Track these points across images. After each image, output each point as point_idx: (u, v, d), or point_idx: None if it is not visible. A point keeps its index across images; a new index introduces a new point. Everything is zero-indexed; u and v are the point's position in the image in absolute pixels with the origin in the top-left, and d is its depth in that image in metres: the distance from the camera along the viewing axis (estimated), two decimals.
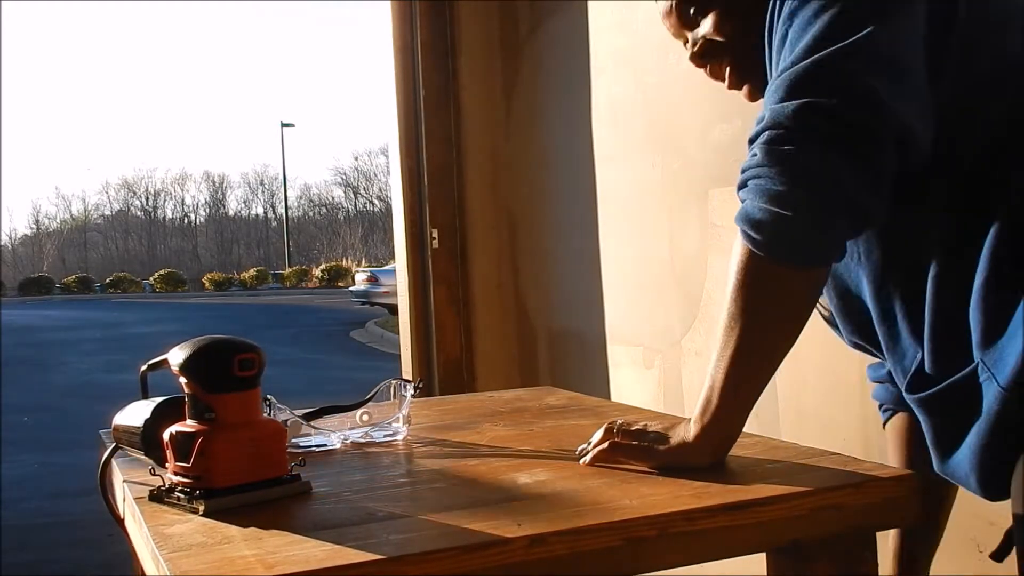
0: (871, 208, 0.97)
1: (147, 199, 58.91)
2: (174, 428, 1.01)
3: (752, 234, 0.98)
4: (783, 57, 1.00)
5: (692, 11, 1.21)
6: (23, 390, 10.20)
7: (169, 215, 59.15)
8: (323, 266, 41.74)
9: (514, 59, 3.10)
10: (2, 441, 6.85)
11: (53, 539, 4.55)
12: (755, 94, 1.21)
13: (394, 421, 1.33)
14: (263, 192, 60.13)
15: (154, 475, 1.05)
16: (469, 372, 3.21)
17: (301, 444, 1.28)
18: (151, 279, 40.54)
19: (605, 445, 1.11)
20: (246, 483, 0.99)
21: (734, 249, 1.02)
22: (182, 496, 0.98)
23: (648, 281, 2.45)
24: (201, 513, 0.96)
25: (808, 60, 0.95)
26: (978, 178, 1.02)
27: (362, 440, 1.31)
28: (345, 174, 60.79)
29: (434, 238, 3.15)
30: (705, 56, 1.23)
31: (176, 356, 1.02)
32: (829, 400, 1.88)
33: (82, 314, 23.38)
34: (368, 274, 20.89)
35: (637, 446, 1.10)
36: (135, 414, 1.12)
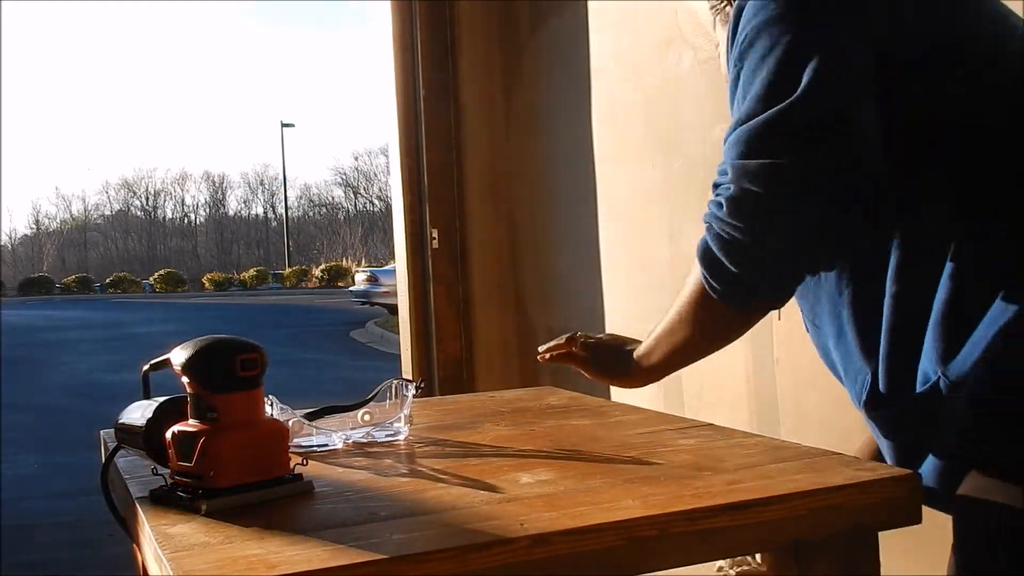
0: (823, 260, 1.06)
1: (147, 199, 58.93)
2: (176, 428, 1.01)
3: (709, 280, 1.08)
4: (737, 103, 1.03)
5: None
6: (23, 390, 10.20)
7: (169, 215, 59.17)
8: (323, 266, 41.73)
9: (514, 59, 3.11)
10: (2, 441, 6.85)
11: (53, 539, 4.55)
12: None
13: (396, 421, 1.34)
14: (263, 192, 60.15)
15: (156, 475, 1.05)
16: (469, 372, 3.21)
17: (303, 444, 1.28)
18: (151, 279, 40.52)
19: (564, 350, 1.36)
20: (248, 483, 0.99)
21: (694, 269, 1.11)
22: (184, 496, 0.99)
23: (648, 281, 2.45)
24: (203, 513, 0.96)
25: (764, 115, 0.99)
26: (936, 200, 1.04)
27: (364, 440, 1.31)
28: (345, 174, 60.83)
29: (434, 238, 3.15)
30: None
31: (178, 356, 1.02)
32: (830, 400, 1.88)
33: (82, 314, 23.38)
34: (368, 274, 20.89)
35: (588, 359, 1.35)
36: (137, 414, 1.12)
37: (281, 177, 53.65)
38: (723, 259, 1.04)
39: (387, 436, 1.33)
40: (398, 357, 3.41)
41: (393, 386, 1.37)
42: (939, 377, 1.01)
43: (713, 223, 1.05)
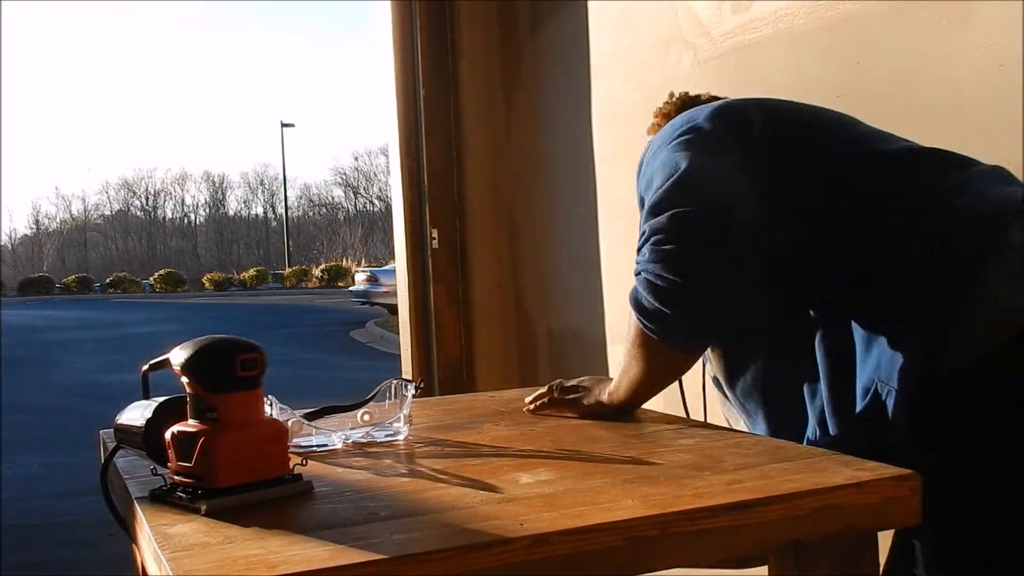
0: (740, 298, 1.24)
1: (147, 199, 58.93)
2: (176, 428, 1.01)
3: (643, 321, 1.26)
4: (650, 191, 1.28)
5: None
6: (23, 390, 10.20)
7: (169, 215, 59.17)
8: (323, 266, 41.72)
9: (514, 59, 3.11)
10: (2, 441, 6.85)
11: (53, 539, 4.55)
12: None
13: (395, 421, 1.33)
14: (263, 192, 60.15)
15: (156, 475, 1.05)
16: (469, 372, 3.21)
17: (303, 444, 1.28)
18: (151, 279, 40.51)
19: (546, 399, 1.47)
20: (248, 483, 0.99)
21: (631, 319, 1.29)
22: (184, 496, 0.99)
23: None
24: (203, 513, 0.96)
25: (669, 182, 1.25)
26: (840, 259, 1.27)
27: (363, 440, 1.31)
28: (345, 174, 60.82)
29: (434, 238, 3.15)
30: None
31: (178, 356, 1.02)
32: None
33: (82, 314, 23.38)
34: (368, 274, 20.87)
35: (568, 399, 1.45)
36: (137, 414, 1.12)
37: (281, 177, 53.68)
38: (649, 299, 1.24)
39: (387, 436, 1.33)
40: (398, 357, 3.41)
41: (393, 386, 1.37)
42: (876, 382, 1.19)
43: (639, 272, 1.25)
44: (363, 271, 22.41)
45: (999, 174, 1.31)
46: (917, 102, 1.66)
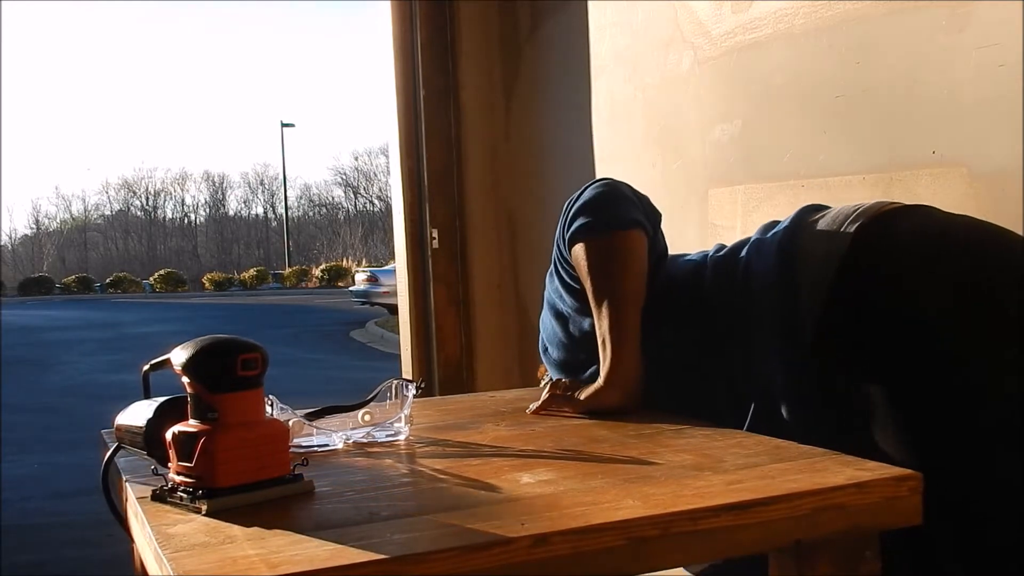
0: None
1: (147, 199, 58.91)
2: (177, 428, 1.01)
3: (591, 227, 1.42)
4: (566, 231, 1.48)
5: None
6: (23, 390, 10.20)
7: (169, 215, 59.15)
8: (323, 266, 41.71)
9: (514, 59, 3.11)
10: (2, 441, 6.85)
11: (53, 539, 4.55)
12: None
13: (396, 421, 1.33)
14: (263, 192, 60.15)
15: (156, 475, 1.05)
16: (469, 372, 3.21)
17: (303, 444, 1.28)
18: (151, 279, 40.49)
19: (545, 398, 1.47)
20: (249, 483, 0.99)
21: (578, 259, 1.43)
22: (185, 496, 0.99)
23: None
24: (204, 513, 0.96)
25: (584, 198, 1.48)
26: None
27: (364, 440, 1.31)
28: (345, 174, 60.81)
29: (434, 238, 3.15)
30: None
31: (179, 356, 1.02)
32: None
33: (82, 314, 23.37)
34: (368, 274, 20.87)
35: (566, 396, 1.45)
36: (138, 414, 1.12)
37: (281, 177, 53.67)
38: (585, 219, 1.44)
39: (387, 436, 1.32)
40: (398, 357, 3.40)
41: (393, 386, 1.37)
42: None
43: (572, 235, 1.44)
44: (363, 271, 22.40)
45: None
46: (917, 102, 1.66)
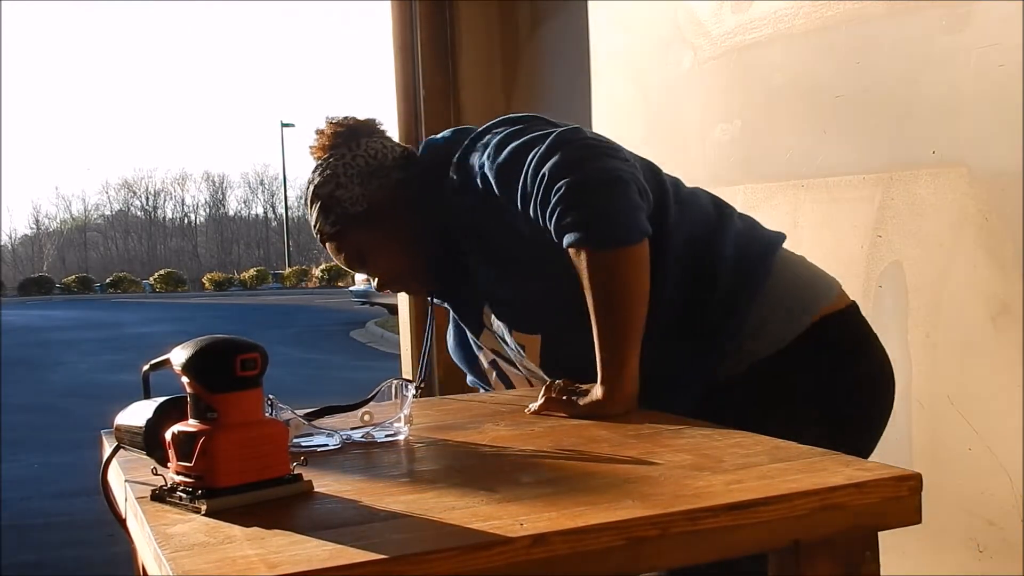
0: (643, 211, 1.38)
1: (147, 199, 58.94)
2: (176, 428, 1.01)
3: (590, 237, 1.35)
4: (524, 186, 1.43)
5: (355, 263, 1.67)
6: (23, 390, 10.20)
7: (169, 215, 59.19)
8: (323, 266, 41.69)
9: (514, 59, 3.11)
10: (2, 441, 6.84)
11: (53, 539, 4.55)
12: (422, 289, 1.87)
13: (395, 421, 1.33)
14: (263, 192, 60.19)
15: (156, 475, 1.05)
16: None
17: (303, 444, 1.28)
18: (151, 279, 40.51)
19: (543, 400, 1.45)
20: (248, 483, 0.99)
21: (584, 265, 1.36)
22: (184, 496, 0.99)
23: None
24: (203, 513, 0.96)
25: (545, 144, 1.43)
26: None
27: (363, 440, 1.31)
28: None
29: None
30: (390, 286, 1.76)
31: (178, 356, 1.02)
32: None
33: (82, 314, 23.37)
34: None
35: (564, 400, 1.42)
36: (137, 414, 1.12)
37: (281, 177, 53.74)
38: (594, 208, 1.36)
39: (387, 436, 1.32)
40: (398, 357, 3.40)
41: (393, 386, 1.37)
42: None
43: (568, 225, 1.36)
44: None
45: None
46: (917, 102, 1.66)
